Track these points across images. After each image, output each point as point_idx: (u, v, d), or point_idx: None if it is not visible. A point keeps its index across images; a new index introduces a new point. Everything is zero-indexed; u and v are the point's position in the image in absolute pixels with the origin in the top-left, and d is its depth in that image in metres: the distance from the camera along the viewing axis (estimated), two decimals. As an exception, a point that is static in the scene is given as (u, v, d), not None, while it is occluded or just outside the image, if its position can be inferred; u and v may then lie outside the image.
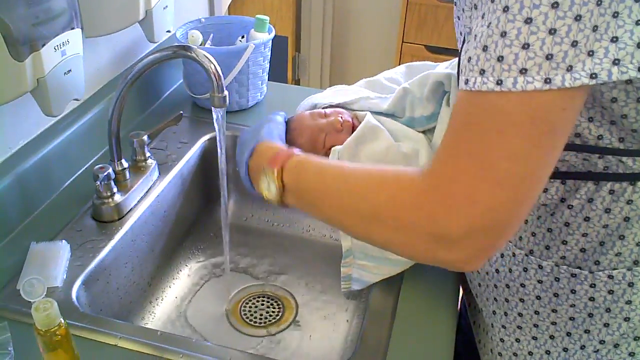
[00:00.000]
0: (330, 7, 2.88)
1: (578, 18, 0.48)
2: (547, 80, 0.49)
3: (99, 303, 0.90)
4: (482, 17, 0.53)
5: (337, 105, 1.03)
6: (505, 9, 0.50)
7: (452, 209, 0.54)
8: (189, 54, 0.88)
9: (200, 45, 1.27)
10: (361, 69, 3.11)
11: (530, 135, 0.51)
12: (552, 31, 0.49)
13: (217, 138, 0.92)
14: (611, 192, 0.66)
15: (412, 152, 0.88)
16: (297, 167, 0.70)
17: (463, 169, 0.54)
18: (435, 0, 2.52)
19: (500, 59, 0.51)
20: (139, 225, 1.00)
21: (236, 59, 1.21)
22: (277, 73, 1.98)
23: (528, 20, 0.49)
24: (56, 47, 0.81)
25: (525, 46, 0.49)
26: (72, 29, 0.83)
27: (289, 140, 0.97)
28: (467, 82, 0.53)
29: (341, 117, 0.97)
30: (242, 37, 1.34)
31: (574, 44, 0.49)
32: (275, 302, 1.10)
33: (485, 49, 0.52)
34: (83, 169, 1.07)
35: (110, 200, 0.95)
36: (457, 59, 0.72)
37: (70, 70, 0.85)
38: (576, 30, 0.48)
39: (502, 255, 0.77)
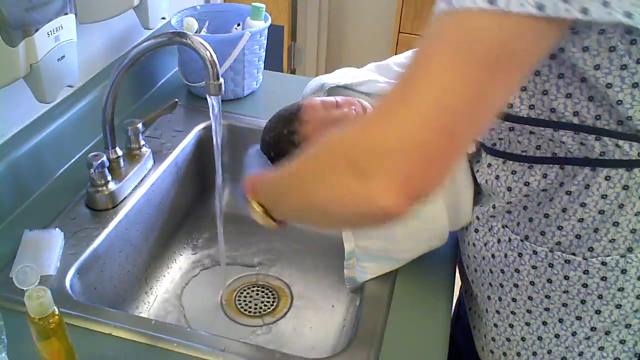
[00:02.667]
0: (327, -5, 2.86)
1: None
2: (491, 1, 0.44)
3: (93, 292, 0.90)
4: None
5: (344, 86, 1.02)
6: None
7: (367, 136, 0.50)
8: (185, 40, 0.87)
9: (196, 32, 1.26)
10: (357, 59, 3.10)
11: (467, 58, 0.46)
12: None
13: (213, 126, 0.92)
14: (607, 178, 0.65)
15: None
16: (264, 185, 0.73)
17: (391, 98, 0.50)
18: (432, -10, 2.51)
19: None
20: (133, 214, 0.99)
21: (232, 46, 1.20)
22: (272, 62, 1.98)
23: None
24: (49, 33, 0.80)
25: None
26: (66, 14, 0.82)
27: (302, 132, 0.95)
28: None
29: (354, 109, 0.95)
30: (238, 25, 1.33)
31: None
32: (270, 291, 1.09)
33: None
34: (77, 156, 1.06)
35: (104, 188, 0.94)
36: None
37: (63, 56, 0.84)
38: None
39: (498, 241, 0.77)
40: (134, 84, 1.23)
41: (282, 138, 0.96)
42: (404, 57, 1.09)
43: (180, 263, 1.13)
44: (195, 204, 1.24)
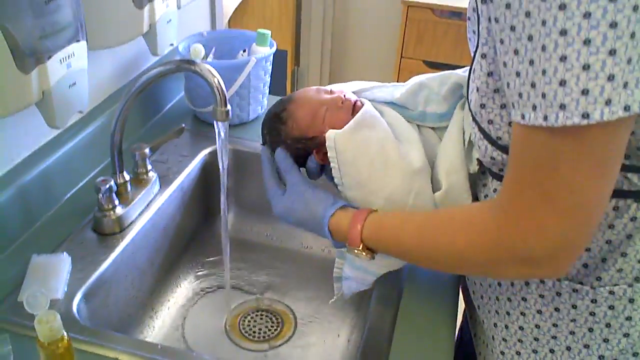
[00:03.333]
0: (330, 21, 2.90)
1: (612, 52, 0.50)
2: (585, 115, 0.51)
3: (99, 316, 0.90)
4: (516, 53, 0.55)
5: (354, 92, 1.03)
6: (543, 48, 0.52)
7: (527, 242, 0.60)
8: (193, 68, 0.88)
9: (203, 58, 1.28)
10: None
11: (580, 168, 0.55)
12: (586, 67, 0.51)
13: (219, 152, 0.93)
14: (615, 208, 0.66)
15: (404, 153, 0.87)
16: (374, 230, 0.77)
17: (528, 204, 0.59)
18: (433, 16, 2.54)
19: (543, 95, 0.53)
20: (140, 238, 1.00)
21: (238, 72, 1.21)
22: (276, 86, 1.99)
23: (563, 58, 0.51)
24: (62, 60, 0.81)
25: (562, 83, 0.52)
26: (78, 41, 0.84)
27: (288, 111, 0.94)
28: (523, 116, 0.56)
29: (344, 95, 0.96)
30: (244, 50, 1.35)
31: (610, 77, 0.50)
32: (274, 316, 1.09)
33: (533, 85, 0.54)
34: (85, 181, 1.07)
35: (111, 212, 0.95)
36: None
37: (75, 83, 0.85)
38: (611, 64, 0.50)
39: None
40: (141, 109, 1.25)
41: (272, 116, 0.96)
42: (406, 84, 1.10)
43: (184, 287, 1.13)
44: (200, 228, 1.25)
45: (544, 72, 0.53)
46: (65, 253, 0.89)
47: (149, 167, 1.04)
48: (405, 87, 0.94)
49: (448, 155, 0.83)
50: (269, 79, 1.33)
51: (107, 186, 0.92)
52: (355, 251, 0.77)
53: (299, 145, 0.92)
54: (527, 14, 0.53)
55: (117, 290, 0.95)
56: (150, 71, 0.90)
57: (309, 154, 0.92)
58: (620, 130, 0.54)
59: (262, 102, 1.34)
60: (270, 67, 1.31)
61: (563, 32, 0.51)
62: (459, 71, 0.95)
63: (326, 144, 0.85)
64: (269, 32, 1.30)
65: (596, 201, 0.57)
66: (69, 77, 0.83)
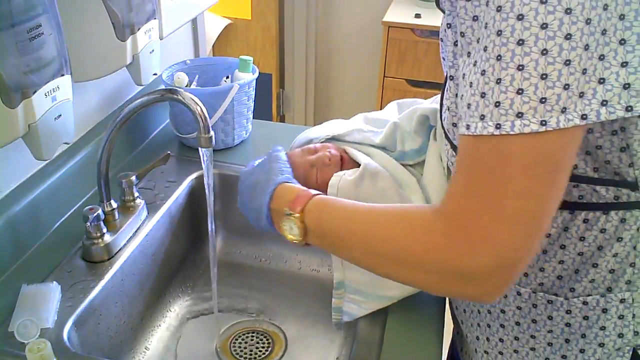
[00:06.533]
0: (313, 44, 2.94)
1: (567, 63, 0.52)
2: (543, 123, 0.53)
3: (90, 343, 0.91)
4: (475, 65, 0.57)
5: (332, 138, 1.06)
6: (499, 57, 0.54)
7: (473, 249, 0.57)
8: (176, 97, 0.91)
9: (186, 86, 1.30)
10: (345, 103, 3.16)
11: (534, 174, 0.54)
12: (544, 76, 0.52)
13: (205, 177, 0.95)
14: (585, 220, 0.68)
15: (407, 198, 0.90)
16: (318, 209, 0.73)
17: (476, 210, 0.57)
18: (414, 36, 2.59)
19: (497, 104, 0.54)
20: (129, 265, 1.01)
21: (221, 99, 1.24)
22: (262, 109, 2.02)
23: (520, 67, 0.52)
24: (47, 94, 0.83)
25: (520, 91, 0.53)
26: (62, 75, 0.86)
27: None
28: (468, 127, 0.57)
29: (329, 152, 1.00)
30: (227, 77, 1.37)
31: (566, 87, 0.52)
32: (265, 337, 1.11)
33: (483, 95, 0.55)
34: (72, 210, 1.08)
35: (99, 240, 0.96)
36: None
37: (60, 115, 0.87)
38: (566, 74, 0.52)
39: None
40: (127, 137, 1.27)
41: None
42: (388, 108, 1.14)
43: (175, 311, 1.15)
44: (188, 252, 1.26)
45: (498, 80, 0.54)
46: (55, 282, 0.90)
47: (136, 194, 1.06)
48: (383, 132, 0.99)
49: (433, 187, 0.87)
50: (252, 104, 1.35)
51: (95, 214, 0.94)
52: (293, 217, 0.73)
53: None
54: (486, 26, 0.55)
55: (107, 317, 0.96)
56: (135, 101, 0.93)
57: None
58: (575, 138, 0.56)
59: (247, 127, 1.36)
60: (253, 93, 1.34)
61: (520, 42, 0.52)
62: (424, 102, 1.01)
63: (328, 189, 0.90)
64: (251, 58, 1.33)
65: (546, 209, 0.57)
66: (55, 110, 0.85)
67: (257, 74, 1.32)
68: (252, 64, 1.33)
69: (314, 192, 0.76)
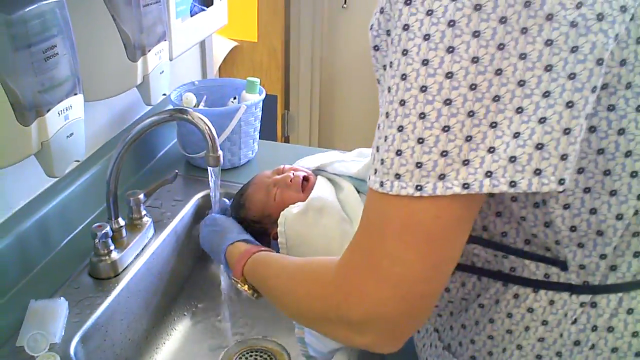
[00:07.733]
0: (318, 66, 2.97)
1: (446, 129, 0.49)
2: (418, 187, 0.50)
3: (96, 359, 0.92)
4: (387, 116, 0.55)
5: (317, 169, 1.11)
6: (387, 115, 0.52)
7: (349, 300, 0.56)
8: (186, 116, 0.93)
9: (195, 106, 1.33)
10: (349, 126, 3.19)
11: (404, 239, 0.52)
12: (420, 140, 0.50)
13: (211, 194, 0.96)
14: (515, 296, 0.63)
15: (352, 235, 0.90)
16: (254, 268, 0.83)
17: (356, 265, 0.56)
18: (418, 59, 2.62)
19: (382, 161, 0.53)
20: (135, 282, 1.02)
21: (229, 119, 1.26)
22: (267, 130, 2.04)
23: (400, 129, 0.51)
24: (60, 112, 0.85)
25: (398, 153, 0.51)
26: (75, 94, 0.88)
27: (246, 195, 1.07)
28: (369, 178, 0.55)
29: (293, 174, 1.04)
30: (234, 98, 1.40)
31: (444, 153, 0.49)
32: (269, 355, 1.11)
33: (377, 149, 0.54)
34: (81, 227, 1.10)
35: (107, 257, 0.98)
36: None
37: (72, 134, 0.89)
38: (445, 140, 0.49)
39: (430, 345, 0.76)
40: (136, 156, 1.29)
41: (234, 202, 1.10)
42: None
43: (179, 330, 1.15)
44: (194, 271, 1.27)
45: (385, 138, 0.52)
46: (62, 298, 0.91)
47: (144, 212, 1.08)
48: (362, 162, 1.02)
49: None
50: (259, 124, 1.37)
51: (103, 232, 0.95)
52: (235, 282, 0.85)
53: (257, 226, 1.04)
54: (389, 89, 0.53)
55: (113, 334, 0.97)
56: (145, 120, 0.95)
57: (269, 233, 1.04)
58: (454, 207, 0.51)
59: (253, 147, 1.38)
60: (259, 113, 1.36)
61: (402, 103, 0.50)
62: None
63: (278, 221, 0.97)
64: (257, 79, 1.35)
65: (417, 276, 0.53)
66: (67, 128, 0.87)
67: (263, 95, 1.34)
68: (258, 85, 1.35)
69: (254, 248, 0.85)
